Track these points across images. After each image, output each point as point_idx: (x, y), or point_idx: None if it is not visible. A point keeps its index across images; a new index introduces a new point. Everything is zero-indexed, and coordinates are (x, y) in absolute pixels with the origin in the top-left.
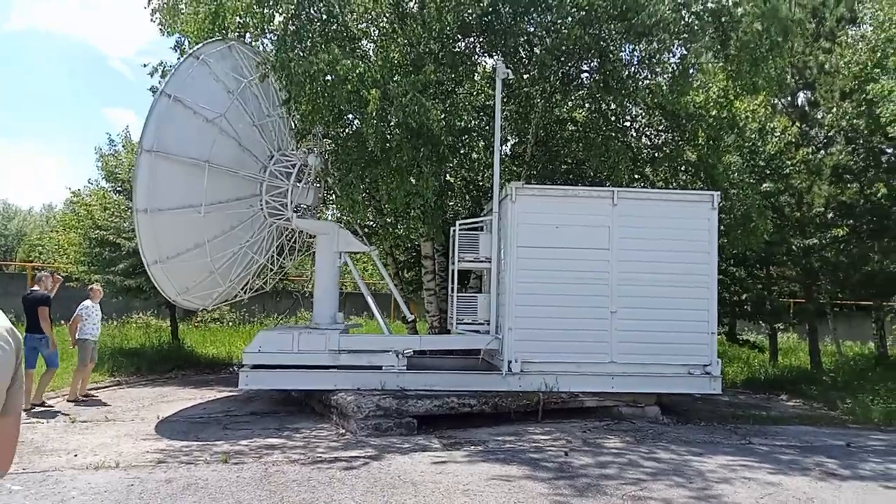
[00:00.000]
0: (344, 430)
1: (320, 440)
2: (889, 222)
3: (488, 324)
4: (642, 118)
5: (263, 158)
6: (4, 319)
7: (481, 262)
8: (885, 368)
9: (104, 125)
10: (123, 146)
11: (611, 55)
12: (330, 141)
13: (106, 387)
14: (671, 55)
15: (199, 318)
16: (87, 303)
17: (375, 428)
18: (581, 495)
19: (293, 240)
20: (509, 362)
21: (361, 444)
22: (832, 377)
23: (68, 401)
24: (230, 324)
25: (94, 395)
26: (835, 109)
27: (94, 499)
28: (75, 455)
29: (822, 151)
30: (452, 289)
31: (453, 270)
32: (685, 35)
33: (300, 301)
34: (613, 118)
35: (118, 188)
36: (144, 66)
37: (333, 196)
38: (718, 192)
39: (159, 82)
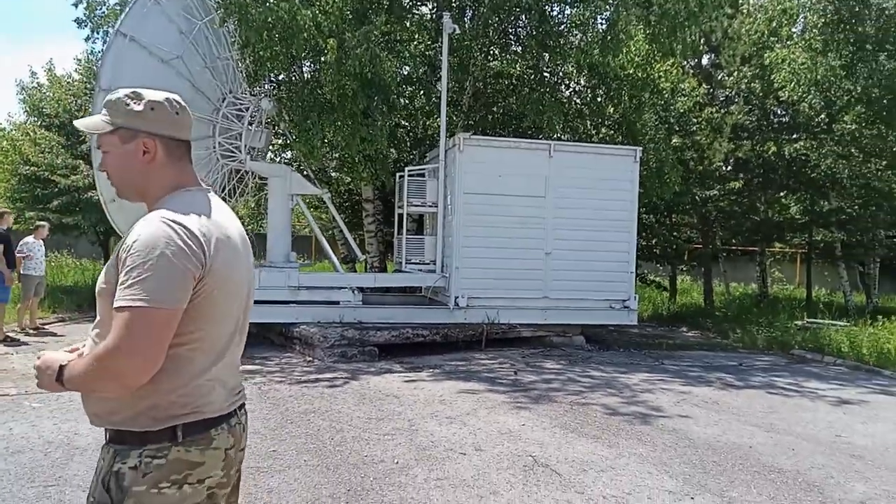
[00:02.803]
0: (311, 358)
1: (293, 366)
2: (775, 176)
3: (434, 263)
4: (573, 75)
5: (216, 100)
6: None
7: (428, 206)
8: (766, 305)
9: None
10: (49, 80)
11: (549, 16)
12: (284, 86)
13: (50, 322)
14: (602, 19)
15: None
16: (29, 239)
17: (342, 355)
18: (536, 402)
19: (244, 182)
20: (456, 298)
21: (332, 369)
22: (723, 312)
23: (16, 333)
24: None
25: (44, 328)
26: (735, 73)
27: None
28: None
29: (723, 111)
30: (400, 231)
31: (401, 214)
32: (616, 1)
33: (255, 243)
34: (547, 74)
35: (45, 123)
36: None
37: (288, 141)
38: (640, 148)
39: (84, 14)
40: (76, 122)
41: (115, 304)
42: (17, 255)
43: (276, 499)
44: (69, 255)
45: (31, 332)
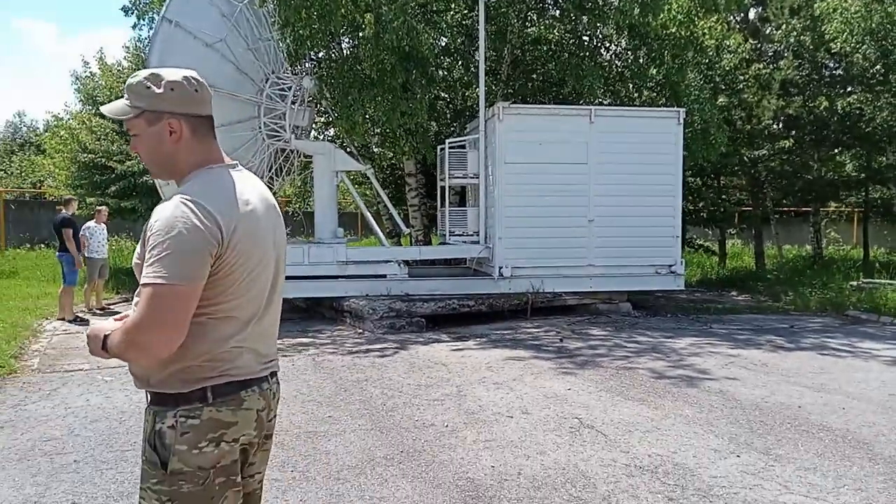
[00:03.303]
0: (362, 330)
1: (344, 338)
2: (828, 132)
3: (478, 235)
4: (612, 38)
5: (259, 81)
6: None
7: (470, 178)
8: (820, 266)
9: (13, 38)
10: (100, 69)
11: None
12: (324, 64)
13: (116, 303)
14: None
15: None
16: (91, 223)
17: (390, 327)
18: (581, 368)
19: (290, 161)
20: (500, 268)
21: (382, 340)
22: (775, 275)
23: (84, 314)
24: None
25: (110, 308)
26: (784, 26)
27: None
28: None
29: (772, 66)
30: (443, 204)
31: (443, 187)
32: None
33: (303, 221)
34: (586, 38)
35: (100, 112)
36: None
37: (330, 118)
38: (683, 109)
39: (130, 2)
40: (102, 108)
41: (141, 282)
42: (80, 238)
43: (333, 460)
44: (128, 238)
45: (98, 312)
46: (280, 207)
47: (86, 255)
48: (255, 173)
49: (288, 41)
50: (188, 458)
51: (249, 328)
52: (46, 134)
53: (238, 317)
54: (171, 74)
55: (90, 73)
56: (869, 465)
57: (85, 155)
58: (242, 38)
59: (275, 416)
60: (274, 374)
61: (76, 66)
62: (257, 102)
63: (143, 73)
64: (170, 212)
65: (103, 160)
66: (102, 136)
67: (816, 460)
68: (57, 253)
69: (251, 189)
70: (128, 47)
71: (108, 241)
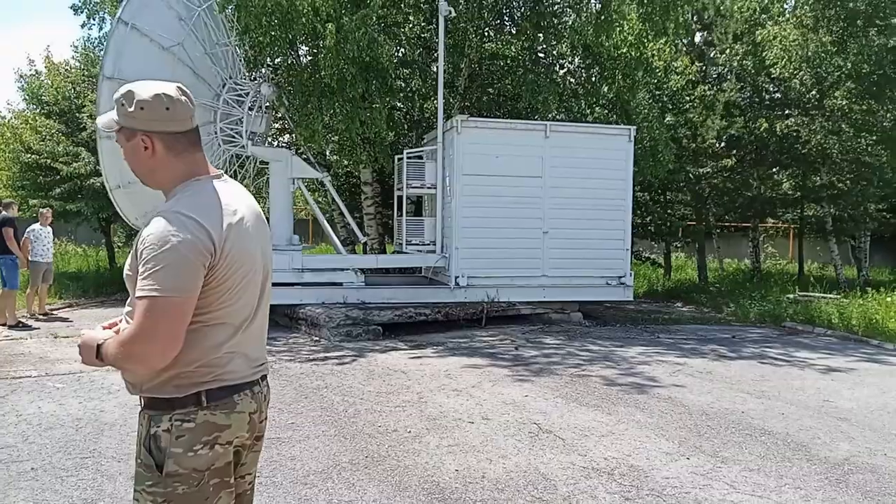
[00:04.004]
0: (318, 338)
1: (301, 346)
2: (767, 153)
3: (434, 244)
4: (567, 56)
5: (216, 86)
6: None
7: (427, 188)
8: (758, 279)
9: None
10: (46, 67)
11: None
12: (282, 71)
13: (59, 308)
14: None
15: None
16: (35, 226)
17: (347, 334)
18: (537, 375)
19: (245, 167)
20: (456, 277)
21: (339, 348)
22: (717, 287)
23: (26, 319)
24: None
25: (53, 314)
26: (728, 50)
27: None
28: None
29: (716, 88)
30: (400, 213)
31: (400, 196)
32: None
33: None
34: (542, 55)
35: (45, 111)
36: None
37: (291, 125)
38: (634, 127)
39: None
40: (96, 120)
41: (136, 294)
42: (24, 241)
43: (299, 465)
44: (69, 242)
45: (41, 317)
46: None
47: (29, 258)
48: None
49: (246, 47)
50: (183, 460)
51: (240, 334)
52: None
53: (230, 322)
54: (144, 93)
55: (35, 71)
56: (807, 466)
57: (28, 155)
58: (200, 43)
59: (265, 417)
60: (264, 377)
61: (17, 62)
62: (214, 107)
63: (122, 89)
64: (162, 225)
65: (48, 161)
66: (48, 137)
67: (760, 462)
68: None
69: (238, 199)
70: (76, 46)
71: (53, 244)
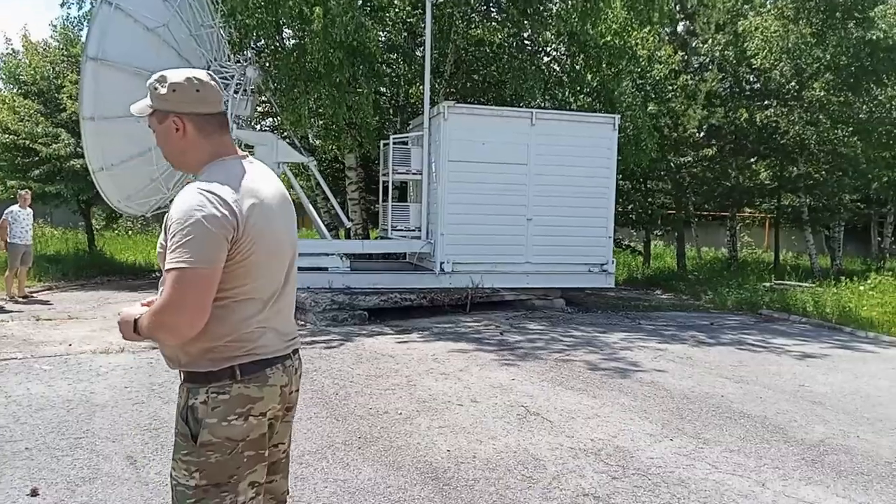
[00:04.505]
0: (304, 322)
1: None
2: (746, 143)
3: (419, 230)
4: (552, 43)
5: (201, 68)
6: None
7: (413, 174)
8: (735, 268)
9: None
10: (24, 46)
11: None
12: (267, 54)
13: (38, 291)
14: None
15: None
16: (14, 207)
17: (333, 319)
18: (522, 359)
19: None
20: (441, 263)
21: (325, 332)
22: (695, 275)
23: (4, 302)
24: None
25: (33, 297)
26: (710, 40)
27: (125, 372)
28: (70, 345)
29: (698, 78)
30: (386, 199)
31: (385, 182)
32: None
33: None
34: (528, 42)
35: (23, 91)
36: None
37: (271, 109)
38: (619, 115)
39: None
40: (131, 107)
41: (165, 267)
42: (2, 222)
43: (294, 446)
44: (46, 224)
45: (21, 300)
46: None
47: (8, 240)
48: None
49: (232, 30)
50: (217, 429)
51: (269, 309)
52: None
53: (258, 298)
54: (176, 77)
55: (12, 50)
56: (784, 447)
57: (6, 136)
58: (185, 25)
59: (296, 389)
60: (295, 351)
61: None
62: None
63: (156, 75)
64: (188, 201)
65: (27, 142)
66: (26, 118)
67: (740, 443)
68: None
69: (263, 179)
70: (55, 26)
71: (32, 226)
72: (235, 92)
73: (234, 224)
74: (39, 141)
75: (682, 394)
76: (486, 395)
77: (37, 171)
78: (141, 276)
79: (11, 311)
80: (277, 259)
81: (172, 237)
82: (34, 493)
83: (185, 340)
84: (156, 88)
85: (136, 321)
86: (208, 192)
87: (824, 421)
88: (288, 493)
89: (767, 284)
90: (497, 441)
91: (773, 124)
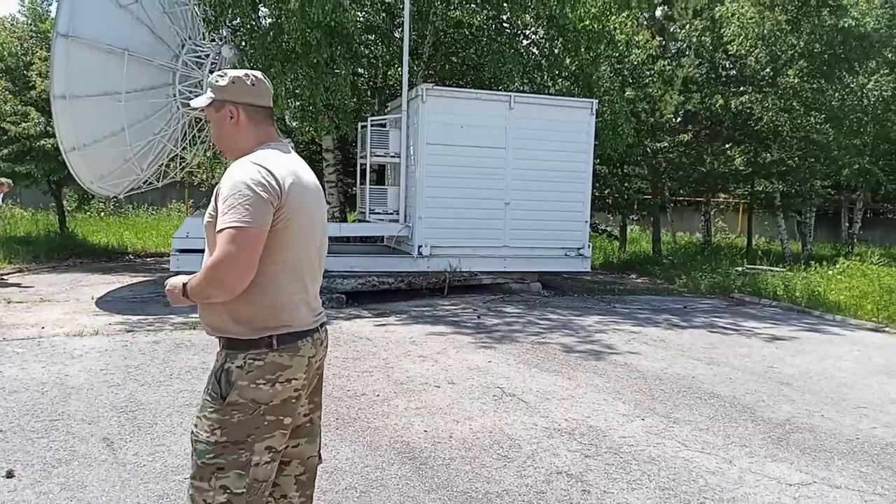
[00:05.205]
0: None
1: None
2: (721, 128)
3: (397, 213)
4: (531, 26)
5: (175, 47)
6: None
7: (391, 157)
8: (709, 253)
9: None
10: None
11: None
12: (243, 33)
13: (9, 273)
14: None
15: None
16: None
17: None
18: (499, 342)
19: (204, 131)
20: (419, 247)
21: None
22: (670, 260)
23: None
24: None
25: (4, 279)
26: (687, 26)
27: (100, 355)
28: (42, 328)
29: (675, 64)
30: (363, 181)
31: (363, 165)
32: None
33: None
34: (507, 25)
35: None
36: None
37: None
38: (596, 100)
39: None
40: (191, 102)
41: (217, 228)
42: None
43: None
44: (15, 205)
45: None
46: (185, 179)
47: None
48: (167, 142)
49: (207, 7)
50: (245, 391)
51: (303, 285)
52: None
53: (294, 272)
54: (235, 72)
55: None
56: (752, 426)
57: None
58: (158, 1)
59: (322, 359)
60: (322, 324)
61: None
62: (172, 69)
63: (217, 73)
64: (241, 171)
65: None
66: None
67: (709, 422)
68: None
69: (301, 165)
70: (23, 1)
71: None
72: (210, 71)
73: (279, 193)
74: (8, 119)
75: (655, 375)
76: (463, 376)
77: (5, 151)
78: (114, 259)
79: None
80: (311, 237)
81: (225, 202)
82: (10, 474)
83: (232, 297)
84: (217, 81)
85: (184, 285)
86: (259, 164)
87: (791, 401)
88: (319, 460)
89: (740, 269)
90: (473, 421)
91: (748, 110)
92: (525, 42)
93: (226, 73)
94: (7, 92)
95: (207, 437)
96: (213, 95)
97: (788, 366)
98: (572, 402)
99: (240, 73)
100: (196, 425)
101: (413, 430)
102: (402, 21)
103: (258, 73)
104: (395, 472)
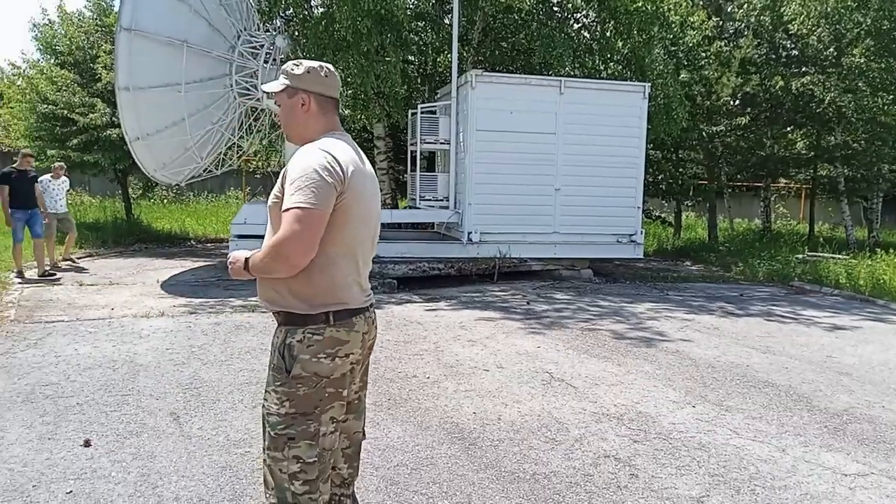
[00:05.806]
0: None
1: None
2: (782, 111)
3: (447, 200)
4: (583, 10)
5: (231, 38)
6: None
7: (441, 143)
8: (768, 239)
9: None
10: (60, 17)
11: None
12: (296, 23)
13: (80, 258)
14: None
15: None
16: (45, 177)
17: None
18: (549, 328)
19: (260, 120)
20: (469, 233)
21: None
22: (726, 247)
23: (39, 274)
24: (166, 202)
25: (75, 262)
26: (746, 5)
27: (165, 335)
28: (112, 309)
29: (732, 45)
30: (414, 168)
31: (413, 152)
32: None
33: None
34: (557, 9)
35: (59, 61)
36: None
37: None
38: (649, 84)
39: None
40: (263, 86)
41: (284, 208)
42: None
43: None
44: (83, 193)
45: (61, 265)
46: (242, 166)
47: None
48: (224, 131)
49: None
50: (308, 365)
51: (357, 266)
52: (3, 82)
53: (351, 254)
54: (310, 63)
55: (49, 20)
56: (808, 416)
57: (45, 106)
58: None
59: (374, 338)
60: (372, 304)
61: (30, 12)
62: (229, 60)
63: (292, 61)
64: (309, 156)
65: (65, 112)
66: (63, 87)
67: (762, 411)
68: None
69: (360, 155)
70: None
71: (69, 194)
72: (265, 62)
73: (342, 179)
74: (76, 111)
75: (707, 363)
76: (512, 361)
77: (74, 141)
78: (176, 244)
79: (54, 276)
80: (366, 223)
81: (292, 184)
82: (87, 443)
83: (293, 273)
84: (292, 69)
85: (247, 260)
86: (325, 150)
87: (850, 391)
88: (363, 436)
89: (800, 256)
90: (522, 405)
91: (810, 92)
92: (576, 26)
93: (301, 63)
94: (75, 84)
95: (277, 409)
96: (287, 82)
97: (849, 356)
98: (622, 387)
99: (314, 64)
100: (266, 399)
101: (462, 411)
102: (452, 7)
103: (330, 66)
104: (445, 452)
